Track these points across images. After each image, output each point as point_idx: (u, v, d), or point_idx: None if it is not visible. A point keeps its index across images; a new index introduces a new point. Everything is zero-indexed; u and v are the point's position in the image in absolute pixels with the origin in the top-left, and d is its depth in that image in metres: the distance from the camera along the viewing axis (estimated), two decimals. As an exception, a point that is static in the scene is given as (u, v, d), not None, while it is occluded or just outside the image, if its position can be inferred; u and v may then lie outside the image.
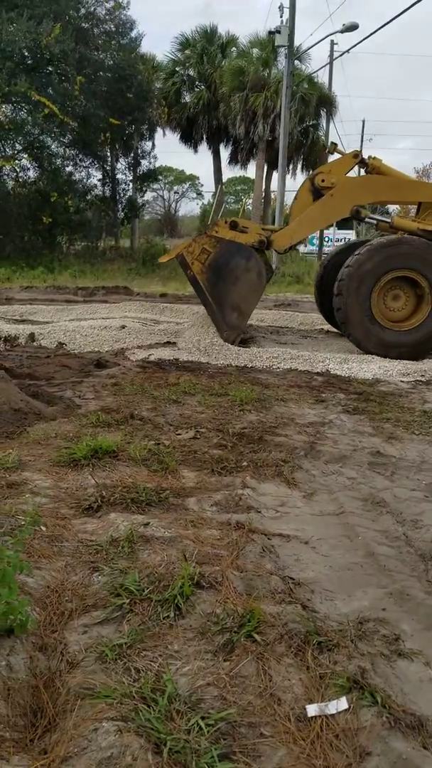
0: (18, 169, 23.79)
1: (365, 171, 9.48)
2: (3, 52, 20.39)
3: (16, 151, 23.45)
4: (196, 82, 31.19)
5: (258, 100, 27.28)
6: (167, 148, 60.05)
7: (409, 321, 8.38)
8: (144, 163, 29.51)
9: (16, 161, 23.24)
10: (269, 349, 8.34)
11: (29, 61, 22.05)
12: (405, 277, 8.31)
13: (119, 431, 4.47)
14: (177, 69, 31.33)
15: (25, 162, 23.99)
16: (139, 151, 29.05)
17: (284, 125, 22.31)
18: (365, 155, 9.43)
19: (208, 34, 30.99)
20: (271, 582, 2.52)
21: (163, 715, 1.76)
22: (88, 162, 26.50)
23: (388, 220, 9.17)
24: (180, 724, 1.74)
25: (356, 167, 9.53)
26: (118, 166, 28.85)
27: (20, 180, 23.89)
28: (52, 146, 24.51)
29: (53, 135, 23.52)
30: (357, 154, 9.26)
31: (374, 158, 9.46)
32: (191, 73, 31.33)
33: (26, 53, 21.51)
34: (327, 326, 11.00)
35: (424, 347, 8.33)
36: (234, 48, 30.60)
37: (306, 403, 5.71)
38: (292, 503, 3.42)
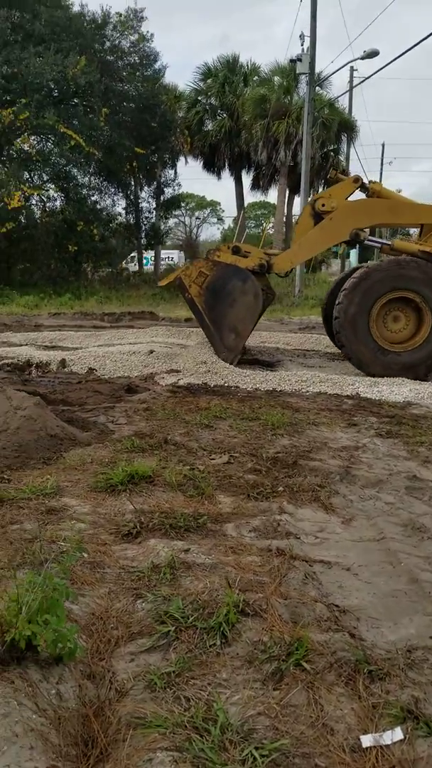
0: (45, 199, 24.30)
1: (366, 195, 9.56)
2: (31, 85, 20.94)
3: (43, 182, 23.96)
4: (218, 111, 31.69)
5: (280, 127, 27.63)
6: (189, 175, 61.05)
7: (412, 341, 8.45)
8: (167, 190, 29.95)
9: (44, 191, 23.73)
10: (297, 372, 8.33)
11: (56, 94, 22.63)
12: (404, 298, 8.38)
13: (154, 456, 4.49)
14: (199, 98, 31.90)
15: (52, 192, 24.52)
16: (162, 179, 29.49)
17: (306, 150, 22.51)
18: (376, 179, 9.62)
19: (230, 64, 31.55)
20: (316, 609, 2.49)
21: (217, 745, 1.75)
22: (112, 190, 26.99)
23: (389, 243, 9.25)
24: (234, 755, 1.72)
25: (358, 192, 9.57)
26: (142, 194, 29.33)
27: (47, 209, 24.37)
28: (78, 176, 25.07)
29: (79, 165, 24.02)
30: (357, 179, 9.37)
31: (374, 182, 9.63)
32: (213, 101, 31.85)
33: (53, 86, 22.07)
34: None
35: (426, 366, 8.37)
36: (256, 76, 31.07)
37: (338, 426, 5.68)
38: (331, 529, 3.39)
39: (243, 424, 5.56)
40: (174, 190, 30.50)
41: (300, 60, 21.67)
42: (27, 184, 21.96)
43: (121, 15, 25.11)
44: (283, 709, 1.93)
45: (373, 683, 2.05)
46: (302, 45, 22.13)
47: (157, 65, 26.71)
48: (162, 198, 29.77)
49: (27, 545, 2.87)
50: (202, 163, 32.79)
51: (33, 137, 22.52)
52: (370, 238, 9.20)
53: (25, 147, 22.43)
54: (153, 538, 3.10)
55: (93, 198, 25.83)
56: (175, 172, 29.75)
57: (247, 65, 31.80)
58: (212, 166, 32.91)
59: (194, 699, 1.95)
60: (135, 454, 4.50)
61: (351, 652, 2.19)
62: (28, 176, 22.94)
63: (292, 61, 23.44)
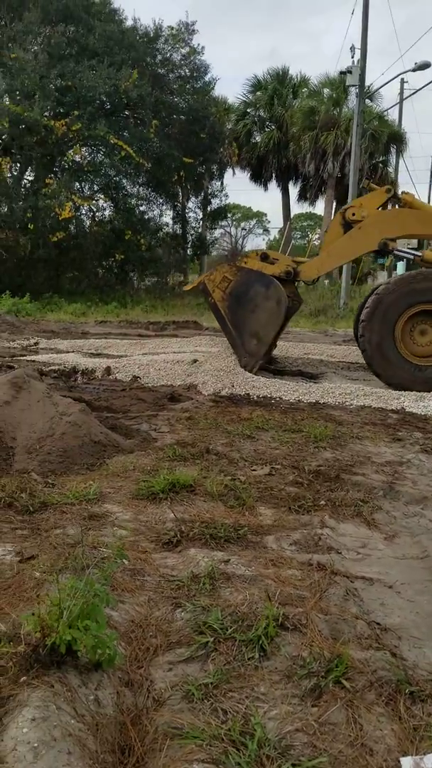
0: (95, 209, 24.75)
1: (399, 206, 9.43)
2: (84, 97, 21.41)
3: (93, 192, 24.41)
4: (267, 123, 31.82)
5: (328, 138, 27.57)
6: (236, 186, 61.43)
7: None
8: (214, 201, 30.19)
9: (94, 201, 24.17)
10: (341, 385, 8.25)
11: (108, 106, 23.06)
12: (425, 311, 8.30)
13: (195, 465, 4.50)
14: (248, 110, 32.11)
15: (101, 202, 24.97)
16: (210, 190, 29.74)
17: (354, 162, 22.40)
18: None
19: (280, 76, 31.70)
20: (357, 626, 2.45)
21: (254, 759, 1.73)
22: (160, 201, 27.33)
23: (419, 254, 9.14)
24: (271, 771, 1.70)
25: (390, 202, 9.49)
26: (189, 204, 29.62)
27: (97, 219, 24.80)
28: (127, 186, 25.45)
29: (129, 176, 24.39)
30: (389, 189, 9.28)
31: (407, 193, 9.49)
32: (262, 113, 32.02)
33: (105, 99, 22.51)
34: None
35: None
36: (305, 88, 31.12)
37: (382, 441, 5.60)
38: (374, 545, 3.34)
39: (285, 436, 5.53)
40: (221, 201, 30.80)
41: (350, 72, 21.63)
42: (78, 195, 22.40)
43: (172, 28, 25.51)
44: (321, 727, 1.90)
45: (414, 704, 2.01)
46: (352, 57, 22.12)
47: (207, 77, 27.06)
48: (209, 208, 30.02)
49: (69, 550, 2.91)
50: (249, 174, 32.99)
51: (84, 148, 22.97)
52: (399, 248, 9.12)
53: (77, 158, 22.91)
54: (193, 548, 3.10)
55: (141, 208, 26.23)
56: (222, 183, 30.07)
57: (297, 77, 31.87)
58: (259, 178, 33.05)
59: (232, 712, 1.94)
60: (177, 463, 4.52)
61: (392, 671, 2.15)
62: (78, 186, 23.40)
63: (342, 73, 23.41)
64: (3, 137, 21.20)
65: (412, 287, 8.33)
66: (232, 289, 8.57)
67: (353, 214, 9.05)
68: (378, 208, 9.26)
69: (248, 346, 8.57)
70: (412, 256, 9.33)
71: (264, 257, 9.16)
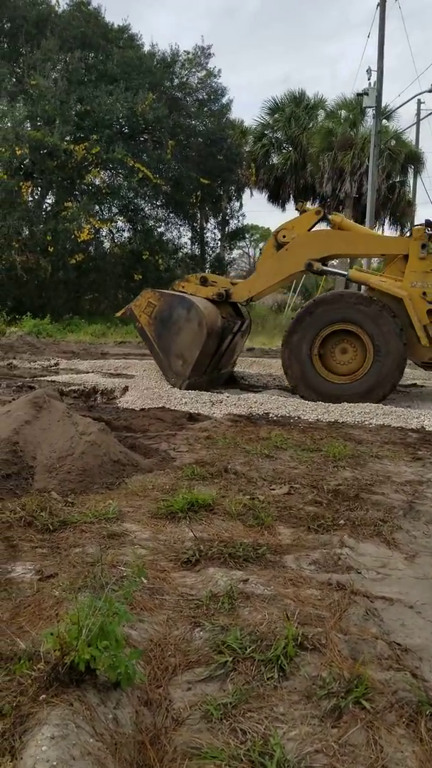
0: (114, 231, 25.04)
1: (330, 227, 9.79)
2: (102, 121, 21.78)
3: (112, 214, 24.72)
4: (284, 144, 32.09)
5: (345, 158, 27.71)
6: (253, 207, 61.83)
7: (356, 373, 8.67)
8: (232, 222, 30.42)
9: (113, 223, 24.47)
10: (360, 404, 8.22)
11: (126, 130, 23.43)
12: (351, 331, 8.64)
13: (214, 485, 4.50)
14: (266, 132, 32.39)
15: (120, 224, 25.26)
16: (227, 211, 29.98)
17: (371, 182, 22.49)
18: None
19: (297, 98, 31.97)
20: (377, 647, 2.43)
21: (273, 781, 1.72)
22: (178, 222, 27.59)
23: (345, 273, 9.42)
24: (290, 792, 1.69)
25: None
26: (207, 225, 29.86)
27: (116, 241, 25.09)
28: (146, 208, 25.73)
29: (147, 198, 24.69)
30: (319, 211, 9.60)
31: (336, 215, 9.95)
32: (279, 135, 32.30)
33: (123, 122, 22.88)
34: (420, 380, 10.81)
35: (368, 398, 8.44)
36: (322, 110, 31.39)
37: (402, 460, 5.56)
38: (394, 565, 3.31)
39: (304, 455, 5.52)
40: (239, 222, 31.00)
41: (367, 94, 21.85)
42: (97, 217, 22.70)
43: (189, 53, 25.92)
44: (341, 748, 1.88)
45: (436, 727, 1.98)
46: (369, 79, 22.33)
47: (224, 100, 27.38)
48: (227, 229, 30.24)
49: (88, 568, 2.92)
50: (267, 195, 33.17)
51: (103, 171, 23.33)
52: (326, 268, 9.39)
53: (96, 181, 23.26)
54: (212, 567, 3.10)
55: (160, 229, 26.47)
56: (240, 204, 30.26)
57: (313, 99, 32.16)
58: (277, 198, 33.23)
59: (251, 732, 1.93)
60: (195, 482, 4.53)
61: (413, 692, 2.13)
62: (98, 209, 23.72)
63: (358, 94, 23.62)
64: (24, 162, 21.60)
65: (315, 313, 8.78)
66: (157, 313, 8.98)
67: (284, 236, 9.37)
68: (309, 230, 9.59)
69: (174, 367, 8.91)
70: (337, 274, 9.79)
71: (203, 281, 9.63)
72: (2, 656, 2.13)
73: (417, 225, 9.13)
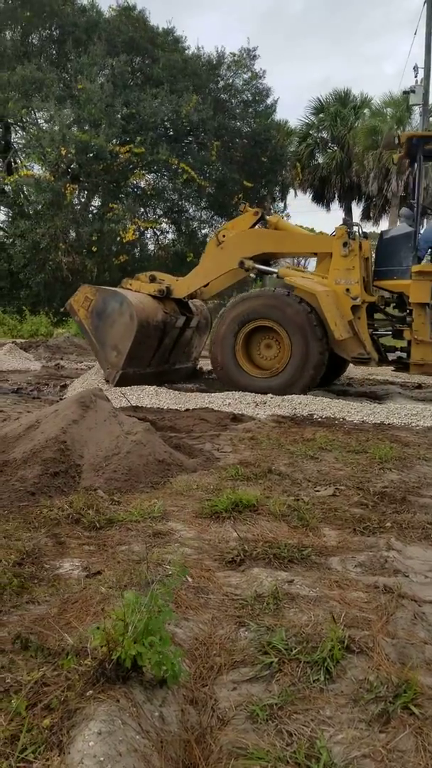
0: (158, 233, 25.24)
1: (266, 227, 10.05)
2: (147, 123, 21.97)
3: (157, 216, 24.92)
4: (329, 144, 31.87)
5: (391, 157, 27.35)
6: (298, 207, 61.50)
7: (276, 368, 9.06)
8: (276, 222, 30.27)
9: (158, 225, 24.67)
10: (407, 405, 8.10)
11: (170, 132, 23.58)
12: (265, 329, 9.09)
13: (258, 485, 4.49)
14: (310, 132, 32.23)
15: (164, 225, 25.44)
16: (272, 211, 29.86)
17: (419, 180, 22.09)
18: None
19: (342, 98, 31.73)
20: (426, 652, 2.38)
21: (320, 784, 1.70)
22: (222, 223, 27.59)
23: (274, 271, 9.70)
24: (337, 796, 1.67)
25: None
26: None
27: (160, 243, 25.29)
28: (190, 210, 25.84)
29: (191, 199, 24.80)
30: (257, 212, 10.02)
31: (273, 215, 10.48)
32: (324, 135, 32.11)
33: (168, 125, 23.04)
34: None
35: (287, 392, 8.61)
36: (367, 109, 31.07)
37: (450, 463, 5.45)
38: (442, 569, 3.24)
39: (349, 457, 5.46)
40: (283, 222, 30.81)
41: (413, 92, 21.54)
42: (141, 218, 22.91)
43: (234, 55, 25.93)
44: (389, 753, 1.85)
45: None
46: (416, 77, 21.99)
47: (269, 101, 27.31)
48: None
49: (134, 566, 2.94)
50: (311, 195, 33.00)
51: (148, 174, 23.54)
52: (259, 266, 9.59)
53: (141, 183, 23.48)
54: (256, 567, 3.09)
55: (203, 231, 26.58)
56: (285, 205, 30.10)
57: (359, 98, 31.87)
58: (322, 198, 33.06)
59: (296, 734, 1.91)
60: (239, 483, 4.52)
61: (463, 700, 2.08)
62: (142, 211, 23.94)
63: (405, 92, 23.31)
64: (72, 165, 21.94)
65: (237, 308, 9.24)
66: (93, 307, 9.28)
67: (224, 236, 9.80)
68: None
69: (110, 358, 9.19)
70: (266, 272, 9.92)
71: (152, 278, 10.07)
72: (51, 651, 2.16)
73: (338, 225, 9.49)
